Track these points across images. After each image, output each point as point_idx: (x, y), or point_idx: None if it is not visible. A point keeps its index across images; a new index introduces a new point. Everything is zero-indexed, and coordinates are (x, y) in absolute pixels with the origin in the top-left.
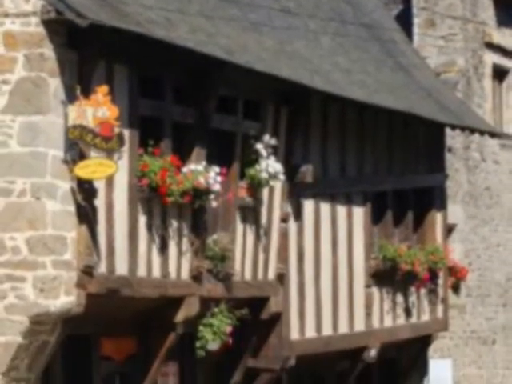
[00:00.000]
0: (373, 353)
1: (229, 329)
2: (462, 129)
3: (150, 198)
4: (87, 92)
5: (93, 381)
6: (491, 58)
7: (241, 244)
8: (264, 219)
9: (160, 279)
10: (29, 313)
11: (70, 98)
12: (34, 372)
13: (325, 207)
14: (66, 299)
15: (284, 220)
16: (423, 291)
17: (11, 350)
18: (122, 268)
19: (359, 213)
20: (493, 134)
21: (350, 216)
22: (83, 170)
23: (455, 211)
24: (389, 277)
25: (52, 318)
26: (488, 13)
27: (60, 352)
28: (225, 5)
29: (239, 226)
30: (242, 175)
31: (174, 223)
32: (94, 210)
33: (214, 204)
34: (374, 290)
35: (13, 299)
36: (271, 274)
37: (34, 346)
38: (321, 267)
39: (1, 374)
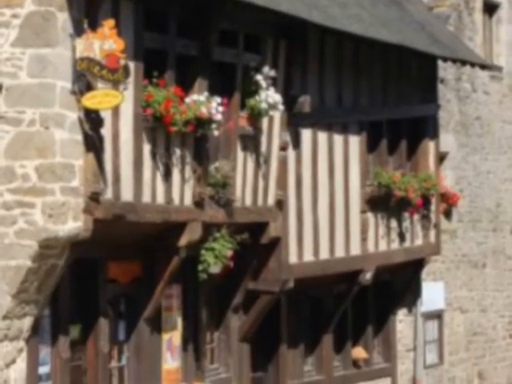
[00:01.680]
0: (368, 276)
1: (230, 253)
2: (454, 61)
3: (155, 128)
4: (94, 25)
5: (99, 302)
6: None
7: (241, 171)
8: (264, 147)
9: (164, 205)
10: (38, 237)
11: (78, 31)
12: (43, 294)
13: (322, 136)
14: (73, 224)
15: (283, 148)
16: (416, 217)
17: (21, 273)
18: (127, 194)
19: (355, 141)
20: (483, 66)
21: (346, 144)
22: (90, 100)
23: (447, 140)
24: (383, 203)
25: (60, 242)
26: None
27: (68, 275)
28: None
29: (240, 154)
30: (243, 105)
31: (178, 151)
32: (100, 138)
33: (216, 133)
34: (369, 216)
35: (23, 224)
36: (270, 200)
37: (42, 269)
38: (318, 194)
39: (11, 296)
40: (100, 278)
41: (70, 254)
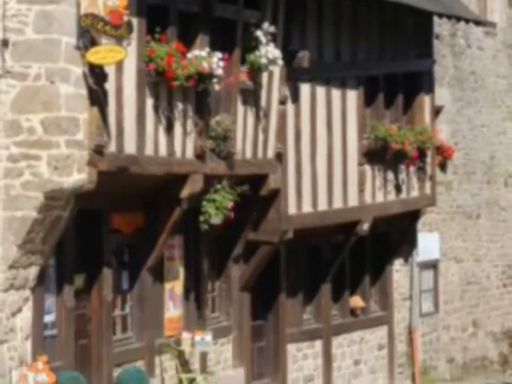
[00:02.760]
0: (365, 226)
1: (230, 204)
2: (449, 17)
3: (157, 82)
4: None
5: (103, 252)
6: None
7: (242, 125)
8: (263, 102)
9: (166, 158)
10: (43, 189)
11: None
12: (48, 244)
13: (320, 90)
14: (78, 176)
15: (282, 102)
16: (412, 169)
17: (27, 224)
18: (130, 147)
19: (353, 96)
20: (477, 22)
21: (344, 99)
22: (94, 55)
23: (442, 94)
24: (380, 155)
25: (65, 194)
26: None
27: (72, 226)
28: None
29: (240, 108)
30: (243, 61)
31: (180, 105)
32: (104, 93)
33: (217, 87)
34: (367, 168)
35: (28, 176)
36: (270, 153)
37: (48, 220)
38: (316, 147)
39: (17, 247)
40: (104, 229)
41: (75, 206)
